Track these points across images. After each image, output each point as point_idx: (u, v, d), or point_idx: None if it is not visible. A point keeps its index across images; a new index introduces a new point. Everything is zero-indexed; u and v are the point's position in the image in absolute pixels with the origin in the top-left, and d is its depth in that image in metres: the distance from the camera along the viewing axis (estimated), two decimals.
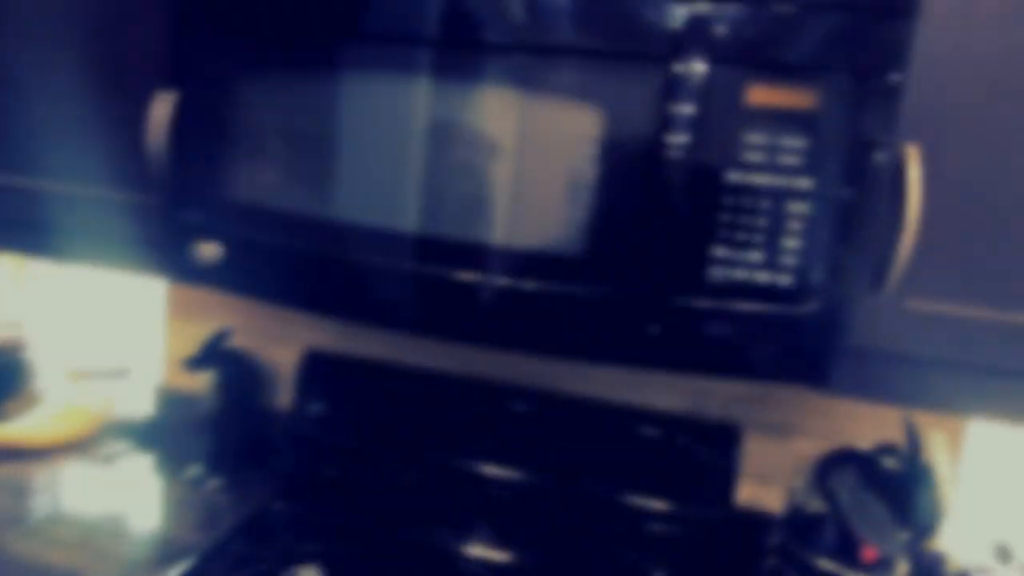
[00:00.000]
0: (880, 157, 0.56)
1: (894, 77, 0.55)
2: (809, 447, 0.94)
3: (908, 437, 0.82)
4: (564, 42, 0.59)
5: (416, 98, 0.63)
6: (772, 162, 0.57)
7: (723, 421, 0.95)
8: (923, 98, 0.60)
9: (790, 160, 0.57)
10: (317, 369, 1.03)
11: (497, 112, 0.61)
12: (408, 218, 0.64)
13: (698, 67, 0.55)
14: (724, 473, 0.91)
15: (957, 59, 0.60)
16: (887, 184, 0.62)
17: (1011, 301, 0.63)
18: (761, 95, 0.57)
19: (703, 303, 0.60)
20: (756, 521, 0.94)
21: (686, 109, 0.55)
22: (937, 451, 0.85)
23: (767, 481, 1.00)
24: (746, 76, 0.57)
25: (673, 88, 0.55)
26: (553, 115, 0.61)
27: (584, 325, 0.63)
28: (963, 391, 0.66)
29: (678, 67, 0.54)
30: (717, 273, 0.59)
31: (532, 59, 0.59)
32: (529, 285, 0.63)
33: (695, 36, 0.55)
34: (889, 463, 0.91)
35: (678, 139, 0.55)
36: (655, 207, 0.57)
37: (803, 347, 0.60)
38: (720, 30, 0.56)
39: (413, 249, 0.64)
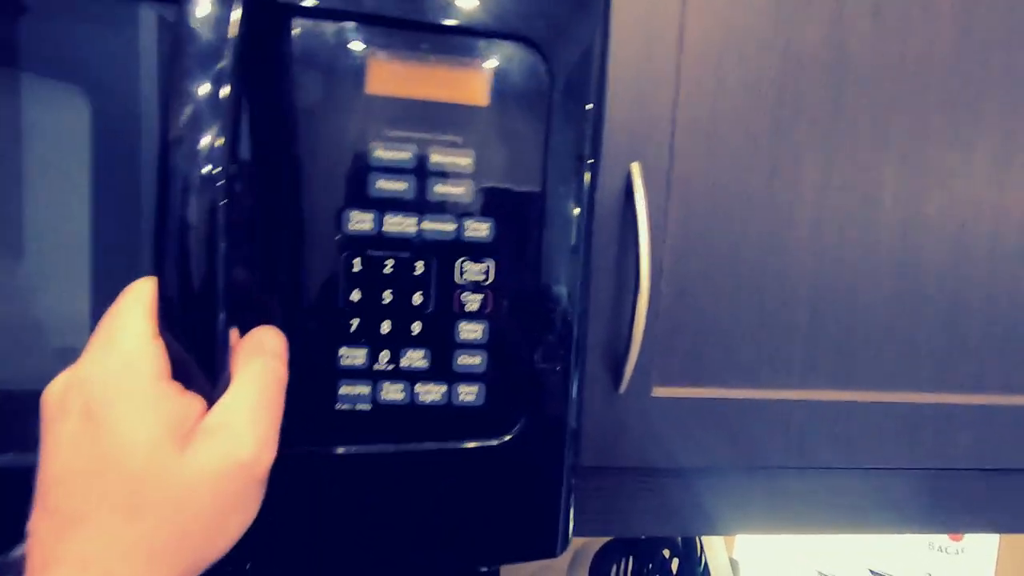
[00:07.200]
0: (590, 179, 0.34)
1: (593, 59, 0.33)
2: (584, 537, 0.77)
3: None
4: None
5: None
6: (421, 196, 0.32)
7: None
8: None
9: (452, 191, 0.33)
10: None
11: None
12: None
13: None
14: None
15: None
16: (611, 222, 0.41)
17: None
18: (390, 78, 0.32)
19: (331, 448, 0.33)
20: None
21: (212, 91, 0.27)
22: (712, 545, 0.71)
23: (545, 570, 0.79)
24: (367, 45, 0.32)
25: (185, 55, 0.27)
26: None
27: None
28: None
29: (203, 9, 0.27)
30: (348, 395, 0.33)
31: None
32: None
33: None
34: (666, 555, 0.75)
35: (209, 162, 0.27)
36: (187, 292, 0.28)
37: (506, 494, 0.36)
38: None
39: None
